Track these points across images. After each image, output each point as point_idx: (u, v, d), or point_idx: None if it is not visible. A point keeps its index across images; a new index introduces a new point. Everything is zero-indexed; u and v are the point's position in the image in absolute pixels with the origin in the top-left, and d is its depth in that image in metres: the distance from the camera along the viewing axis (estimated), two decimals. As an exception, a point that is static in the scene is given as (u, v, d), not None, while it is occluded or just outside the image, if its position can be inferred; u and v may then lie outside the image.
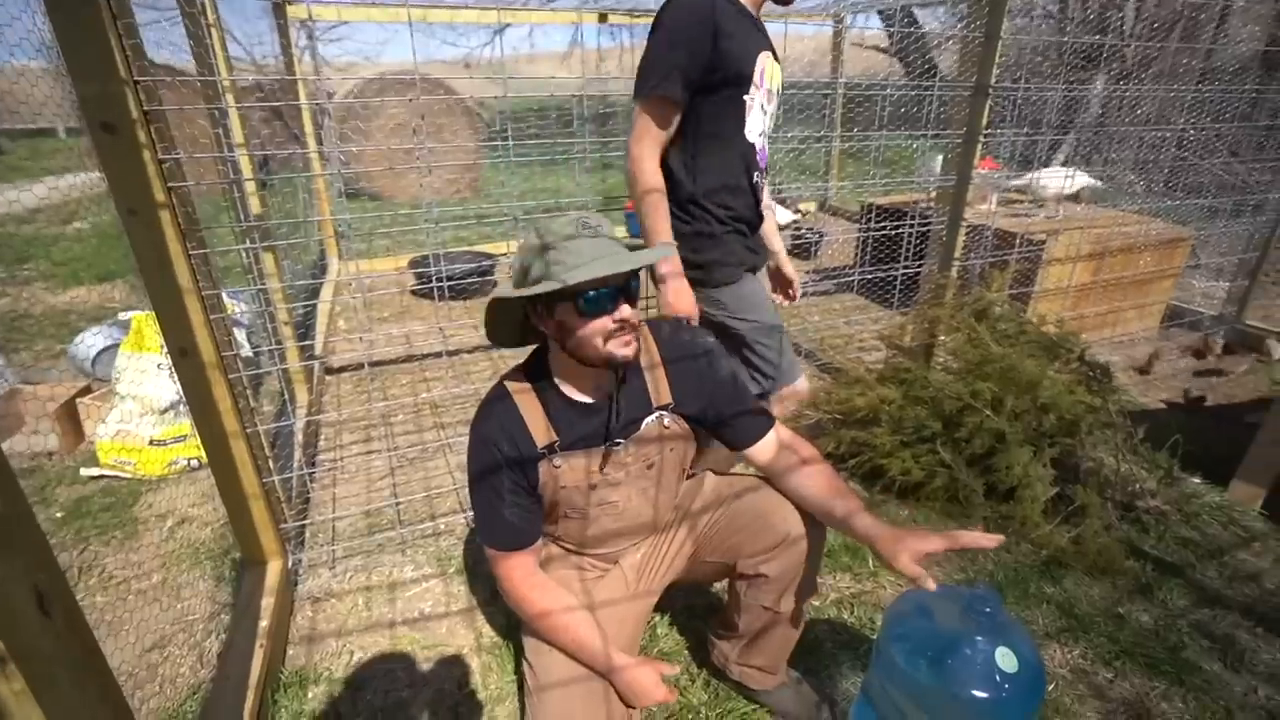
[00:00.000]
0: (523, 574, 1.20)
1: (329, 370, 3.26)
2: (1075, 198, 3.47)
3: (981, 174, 3.20)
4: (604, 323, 1.07)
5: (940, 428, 2.03)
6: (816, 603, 1.69)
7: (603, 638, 1.14)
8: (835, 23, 5.52)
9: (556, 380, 1.18)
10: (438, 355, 3.46)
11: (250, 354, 3.06)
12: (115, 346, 2.75)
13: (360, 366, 3.26)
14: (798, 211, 5.49)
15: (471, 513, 1.96)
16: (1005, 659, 1.04)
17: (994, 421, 1.91)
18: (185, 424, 2.38)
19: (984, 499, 1.99)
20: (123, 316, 3.06)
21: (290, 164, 4.36)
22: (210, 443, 1.54)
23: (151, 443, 2.33)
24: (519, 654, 1.41)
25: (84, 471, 2.29)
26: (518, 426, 1.17)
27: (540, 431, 1.17)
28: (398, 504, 2.10)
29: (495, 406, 1.19)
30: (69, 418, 2.47)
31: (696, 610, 1.66)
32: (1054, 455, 1.97)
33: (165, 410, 2.40)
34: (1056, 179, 3.24)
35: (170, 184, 1.36)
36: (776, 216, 5.11)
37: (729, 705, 1.39)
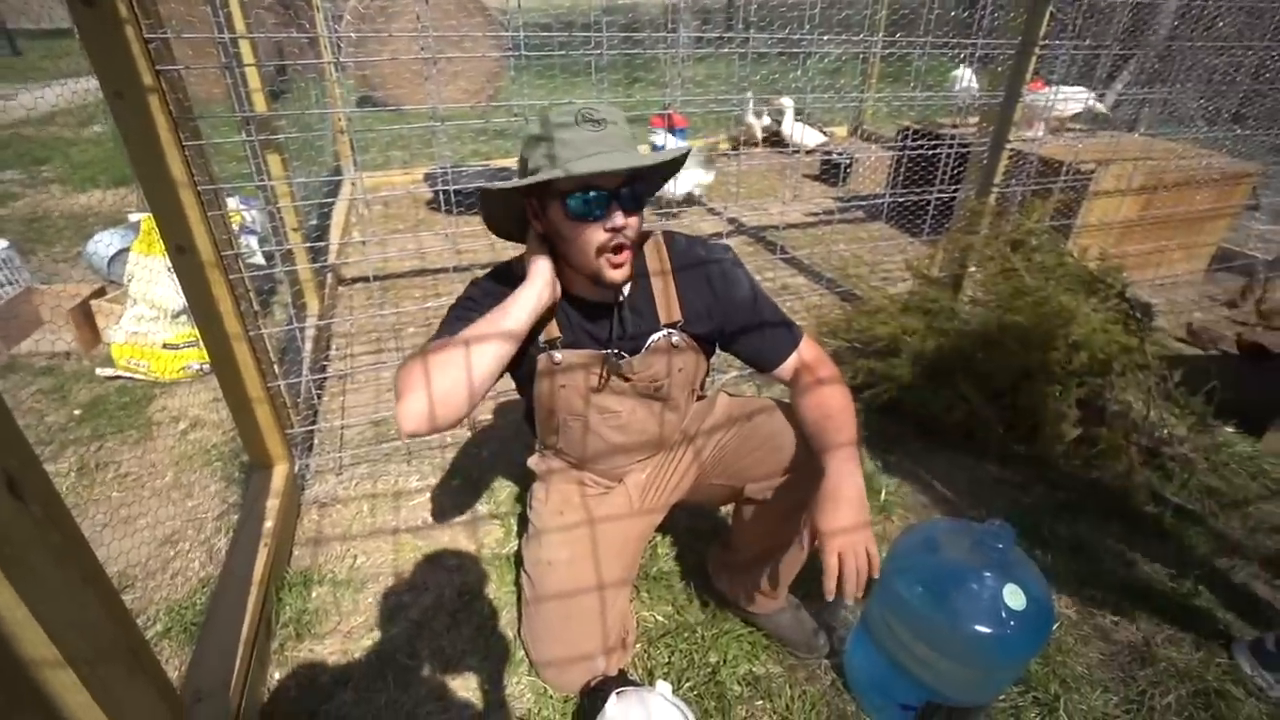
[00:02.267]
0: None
1: (341, 280, 3.22)
2: (1078, 119, 3.23)
3: (1032, 95, 2.95)
4: (595, 231, 0.99)
5: (962, 362, 1.95)
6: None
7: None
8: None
9: (562, 276, 1.11)
10: (450, 270, 3.40)
11: (263, 261, 3.03)
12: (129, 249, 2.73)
13: (375, 279, 3.22)
14: (826, 134, 5.20)
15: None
16: (1014, 596, 1.01)
17: (1020, 357, 1.82)
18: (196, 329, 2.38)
19: (1003, 436, 1.94)
20: (134, 218, 3.02)
21: (302, 71, 4.18)
22: (213, 345, 1.52)
23: (164, 346, 2.33)
24: (519, 565, 1.42)
25: (100, 372, 2.31)
26: None
27: (543, 322, 1.12)
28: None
29: (499, 277, 1.13)
30: (84, 318, 2.48)
31: (699, 532, 1.66)
32: (1081, 395, 1.89)
33: (178, 314, 2.39)
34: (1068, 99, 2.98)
35: (159, 66, 1.28)
36: (803, 136, 4.84)
37: (725, 626, 1.40)
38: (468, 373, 0.96)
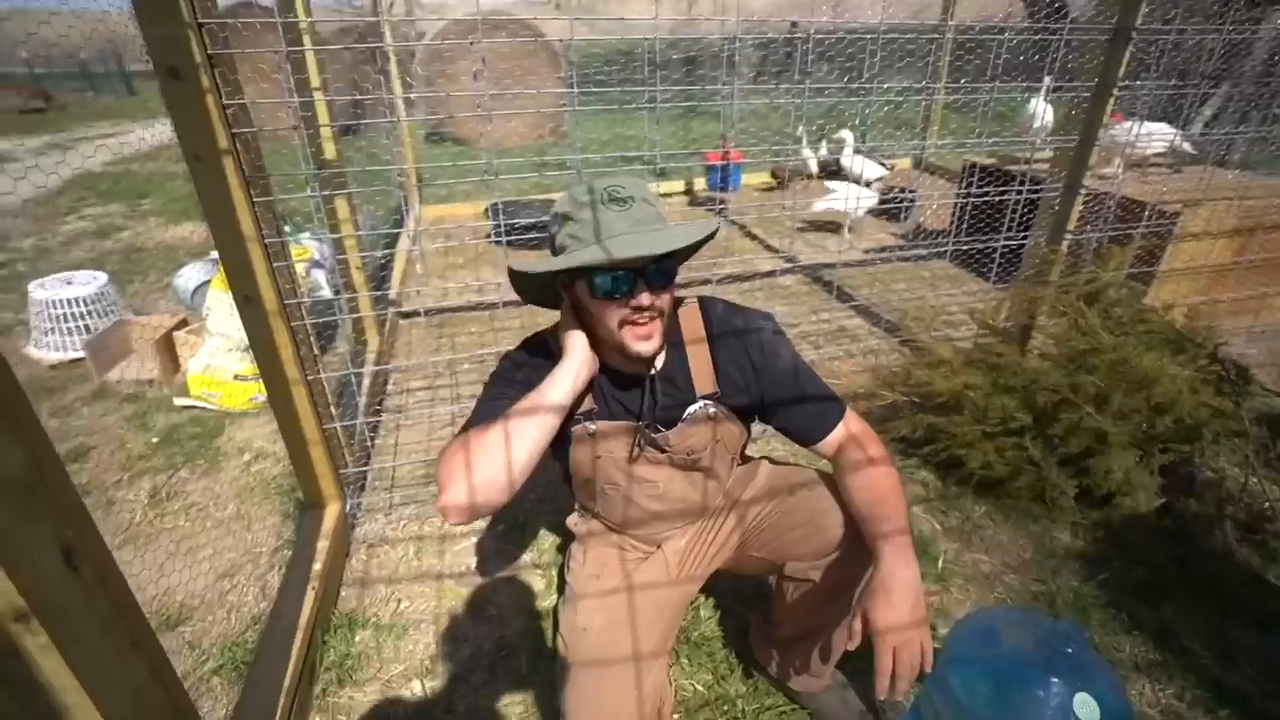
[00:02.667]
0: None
1: (402, 315, 3.33)
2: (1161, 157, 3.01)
3: (1111, 132, 2.80)
4: (616, 307, 0.98)
5: (1031, 421, 1.83)
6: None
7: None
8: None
9: (594, 347, 1.10)
10: (507, 305, 3.47)
11: (330, 295, 3.17)
12: (209, 282, 2.91)
13: (433, 313, 3.32)
14: (887, 166, 5.07)
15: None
16: (1085, 708, 0.92)
17: (1095, 420, 1.70)
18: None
19: (1075, 503, 1.80)
20: (214, 254, 3.21)
21: (375, 109, 4.41)
22: (273, 389, 1.58)
23: (235, 378, 2.46)
24: (556, 626, 1.40)
25: (177, 401, 2.46)
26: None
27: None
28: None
29: (534, 349, 1.14)
30: (167, 349, 2.65)
31: (743, 594, 1.60)
32: (1164, 462, 1.74)
33: (248, 347, 2.52)
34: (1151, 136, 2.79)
35: (235, 129, 1.36)
36: (863, 170, 4.72)
37: (767, 701, 1.33)
38: (508, 459, 0.95)
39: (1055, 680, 0.94)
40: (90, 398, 2.53)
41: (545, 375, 1.06)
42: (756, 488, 1.23)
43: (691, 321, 1.15)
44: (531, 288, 1.12)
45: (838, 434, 1.13)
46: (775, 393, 1.14)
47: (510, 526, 1.87)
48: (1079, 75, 1.92)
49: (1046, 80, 3.47)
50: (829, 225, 4.49)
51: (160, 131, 7.70)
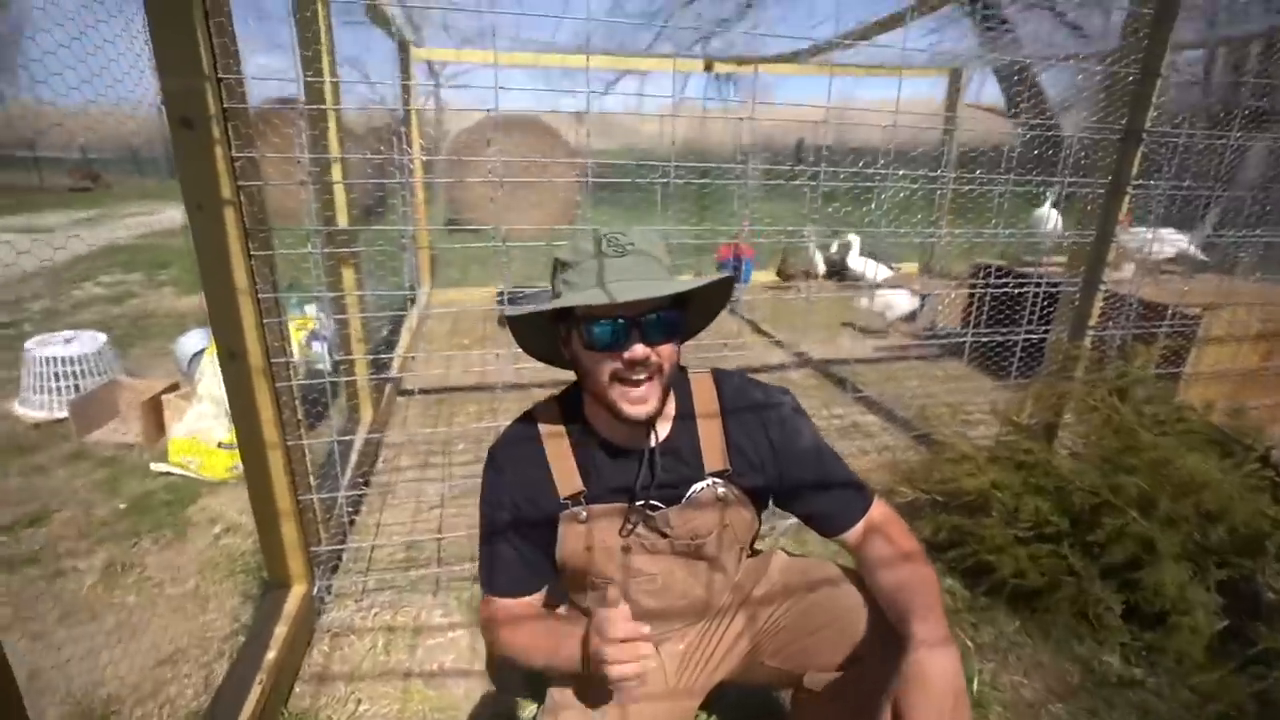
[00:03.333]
0: (509, 617, 1.02)
1: (401, 392, 3.25)
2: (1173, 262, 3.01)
3: (1126, 235, 2.80)
4: (607, 359, 0.89)
5: (1068, 525, 1.68)
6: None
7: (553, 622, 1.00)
8: (951, 82, 5.26)
9: (590, 417, 1.02)
10: (509, 387, 3.39)
11: (329, 368, 3.11)
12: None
13: (431, 391, 3.24)
14: (894, 269, 5.13)
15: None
16: None
17: (1140, 526, 1.54)
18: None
19: (1123, 621, 1.61)
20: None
21: (398, 194, 4.57)
22: (248, 452, 1.47)
23: (219, 445, 2.35)
24: (532, 739, 1.20)
25: (154, 466, 2.33)
26: (536, 467, 1.01)
27: (565, 478, 1.00)
28: (440, 539, 1.98)
29: (517, 439, 1.04)
30: (153, 412, 2.56)
31: (748, 708, 1.39)
32: (1222, 578, 1.57)
33: (238, 415, 2.43)
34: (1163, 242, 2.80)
35: (240, 182, 1.34)
36: (872, 271, 4.76)
37: None
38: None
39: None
40: (66, 459, 2.41)
41: (538, 484, 1.00)
42: (770, 583, 1.08)
43: (704, 392, 1.05)
44: (533, 340, 1.04)
45: (863, 525, 1.00)
46: (796, 475, 1.03)
47: (492, 620, 1.68)
48: (1091, 172, 1.92)
49: (1049, 199, 3.55)
50: (862, 326, 4.44)
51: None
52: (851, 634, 0.93)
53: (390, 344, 3.68)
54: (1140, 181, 1.91)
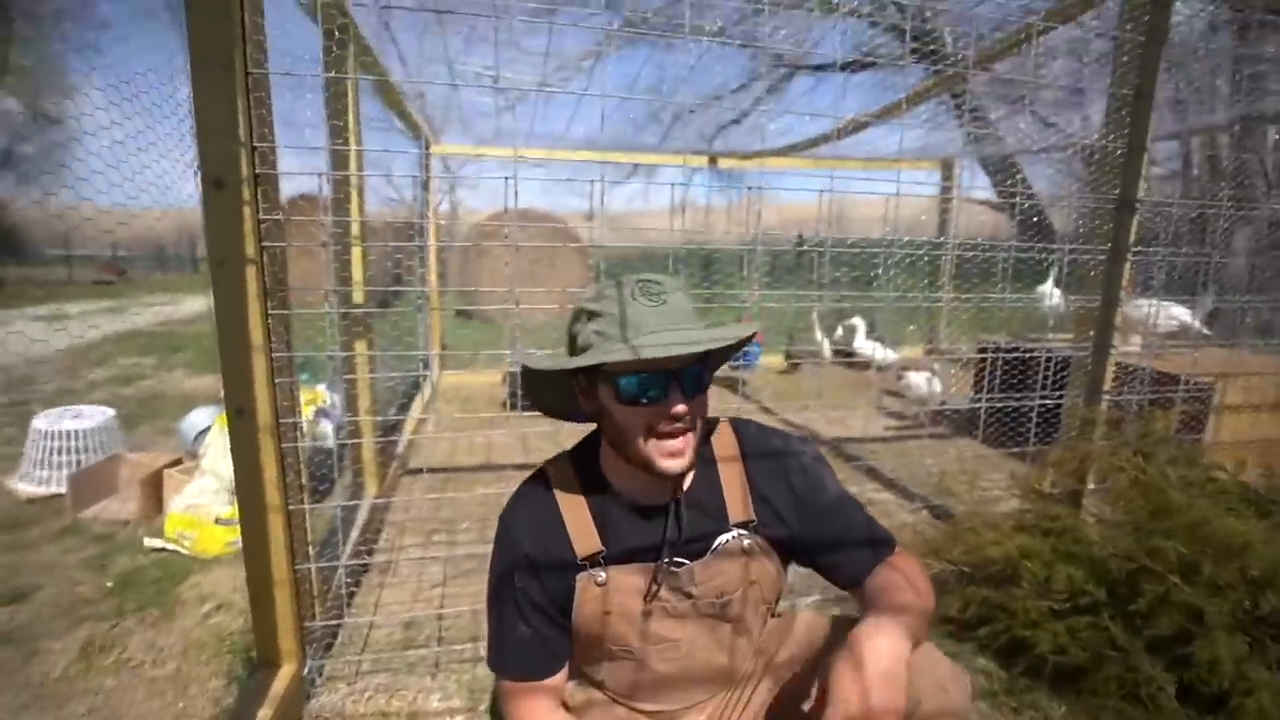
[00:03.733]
0: (533, 714, 0.93)
1: (407, 471, 3.20)
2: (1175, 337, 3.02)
3: (1131, 305, 2.82)
4: (645, 414, 0.86)
5: (1104, 595, 1.58)
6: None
7: None
8: (943, 173, 5.52)
9: (609, 474, 0.97)
10: (517, 467, 3.34)
11: (333, 446, 3.08)
12: (214, 426, 2.85)
13: (436, 470, 3.19)
14: (894, 351, 5.16)
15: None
16: None
17: (1184, 593, 1.45)
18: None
19: (1178, 703, 1.48)
20: (226, 396, 3.21)
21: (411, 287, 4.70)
22: (246, 514, 1.43)
23: (217, 520, 2.28)
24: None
25: (147, 542, 2.26)
26: (551, 526, 0.95)
27: (583, 536, 0.94)
28: (442, 618, 1.88)
29: (529, 498, 0.98)
30: (152, 488, 2.51)
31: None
32: (1280, 654, 1.45)
33: (238, 489, 2.38)
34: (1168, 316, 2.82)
35: (265, 243, 1.38)
36: (880, 354, 4.78)
37: None
38: None
39: None
40: (56, 535, 2.33)
41: (553, 539, 0.94)
42: (794, 644, 1.00)
43: (724, 440, 1.02)
44: (546, 394, 1.02)
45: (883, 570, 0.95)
46: (818, 526, 0.98)
47: (495, 706, 1.56)
48: (1091, 240, 1.97)
49: (1051, 277, 3.64)
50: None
51: (210, 302, 8.26)
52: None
53: (398, 421, 3.66)
54: (1140, 248, 1.96)
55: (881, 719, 0.69)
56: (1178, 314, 2.90)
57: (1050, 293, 3.56)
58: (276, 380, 1.42)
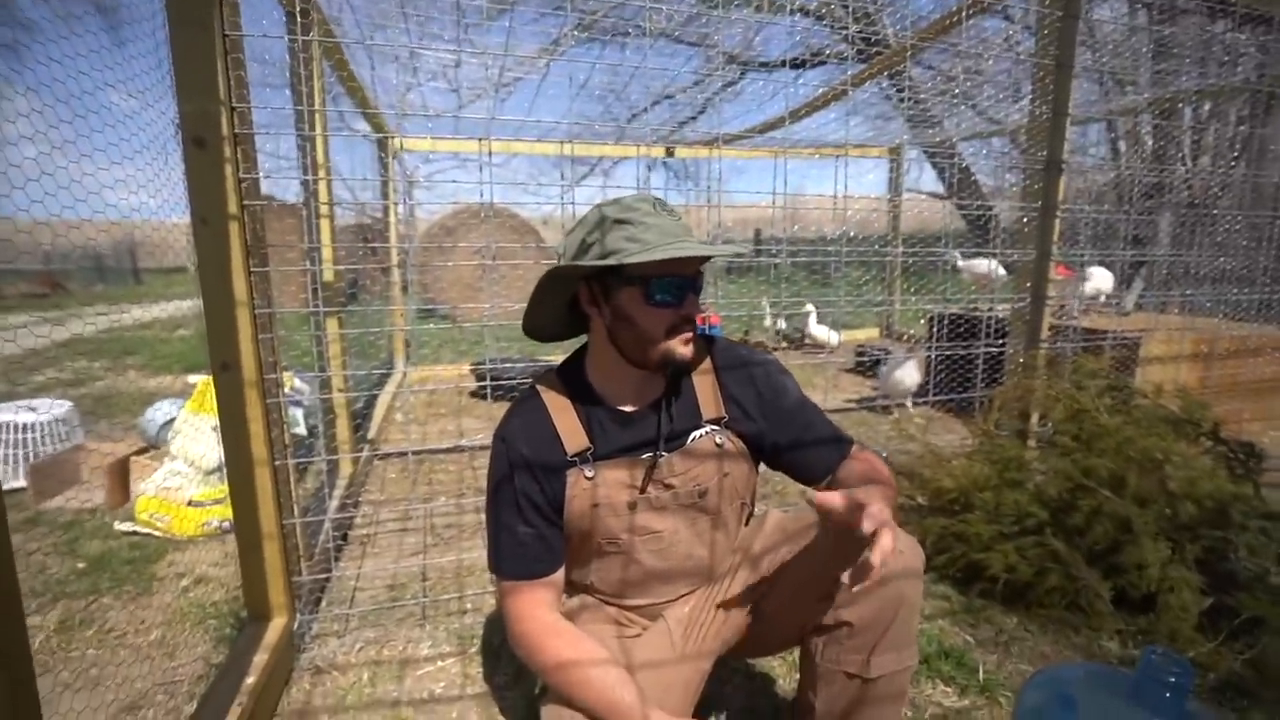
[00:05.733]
0: (537, 612, 1.00)
1: (378, 456, 3.20)
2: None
3: (1059, 279, 3.04)
4: (669, 315, 0.96)
5: (1047, 516, 1.73)
6: (907, 712, 1.35)
7: (640, 696, 0.90)
8: (891, 161, 5.77)
9: (596, 384, 1.06)
10: (487, 449, 3.37)
11: (303, 433, 3.06)
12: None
13: (406, 454, 3.20)
14: (838, 334, 5.38)
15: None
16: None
17: (1115, 504, 1.61)
18: (225, 487, 2.33)
19: (1114, 608, 1.63)
20: (191, 379, 3.14)
21: (373, 289, 4.67)
22: (234, 468, 1.45)
23: (190, 503, 2.26)
24: (537, 732, 1.14)
25: (118, 526, 2.22)
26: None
27: (572, 436, 1.03)
28: (425, 568, 1.91)
29: (521, 407, 1.07)
30: (119, 474, 2.46)
31: (759, 712, 1.35)
32: (1198, 555, 1.62)
33: (211, 472, 2.36)
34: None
35: (245, 201, 1.41)
36: (833, 338, 4.96)
37: (802, 829, 1.05)
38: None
39: (1159, 721, 0.77)
40: (19, 525, 2.27)
41: (544, 439, 1.02)
42: (767, 537, 1.10)
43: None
44: (546, 311, 1.07)
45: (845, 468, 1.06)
46: (782, 425, 1.08)
47: (485, 649, 1.61)
48: (1024, 243, 2.14)
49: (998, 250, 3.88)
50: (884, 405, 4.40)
51: (157, 310, 7.98)
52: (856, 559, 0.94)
53: (366, 410, 3.65)
54: (1066, 205, 2.13)
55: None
56: (1104, 277, 3.14)
57: (979, 263, 3.78)
58: (260, 336, 1.45)
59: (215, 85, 1.32)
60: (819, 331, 5.15)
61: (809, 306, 5.15)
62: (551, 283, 1.01)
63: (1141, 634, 1.60)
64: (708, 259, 0.99)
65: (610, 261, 0.92)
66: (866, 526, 0.75)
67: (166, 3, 1.29)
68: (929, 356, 3.32)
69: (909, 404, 3.62)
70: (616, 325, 1.00)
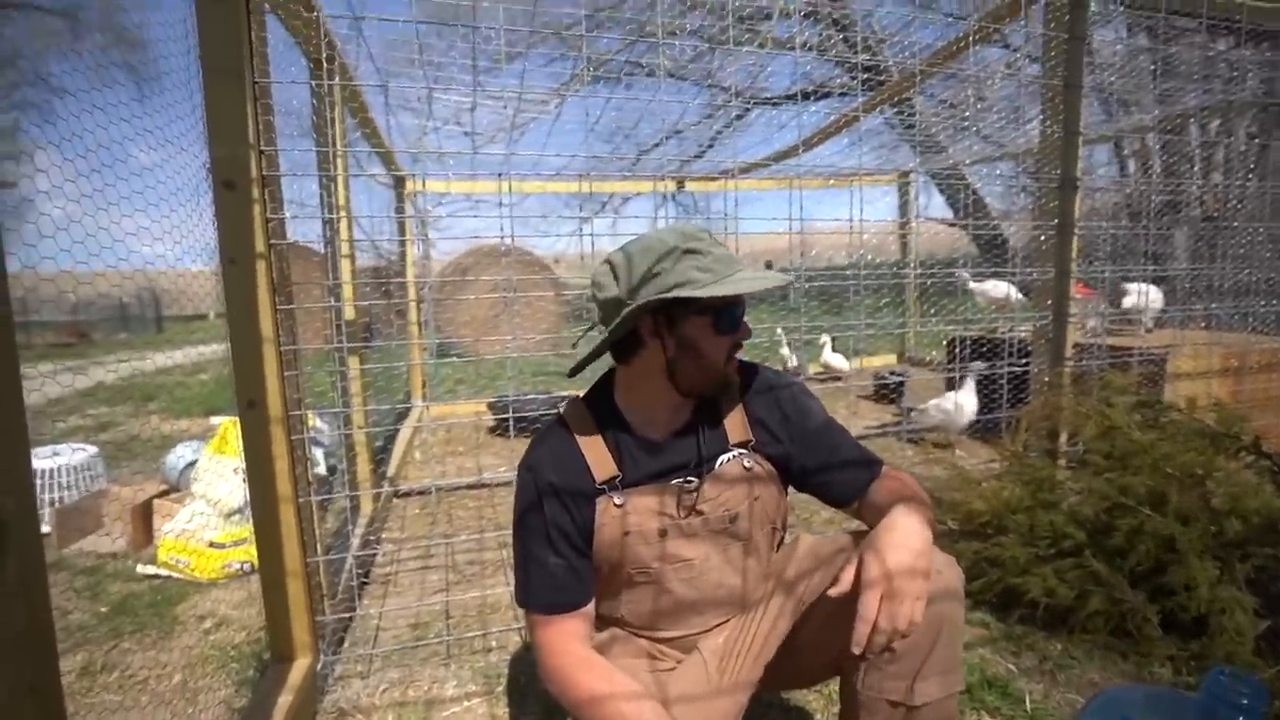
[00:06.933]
0: (569, 645, 0.97)
1: (397, 495, 3.19)
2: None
3: (1079, 299, 3.02)
4: (730, 340, 1.01)
5: (1084, 537, 1.67)
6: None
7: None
8: (900, 189, 5.82)
9: (626, 412, 1.05)
10: (508, 484, 3.35)
11: (324, 472, 3.07)
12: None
13: (426, 492, 3.18)
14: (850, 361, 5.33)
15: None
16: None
17: (1156, 522, 1.56)
18: (247, 528, 2.32)
19: (1163, 632, 1.56)
20: (213, 421, 3.18)
21: (390, 334, 4.73)
22: (259, 506, 1.45)
23: (211, 545, 2.26)
24: (569, 773, 1.10)
25: (140, 569, 2.22)
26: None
27: (600, 464, 1.02)
28: (448, 606, 1.88)
29: (546, 437, 1.06)
30: (142, 518, 2.47)
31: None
32: (1249, 574, 1.55)
33: (232, 514, 2.36)
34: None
35: (272, 240, 1.44)
36: (847, 365, 4.93)
37: None
38: None
39: (1233, 746, 0.73)
40: (44, 571, 2.28)
41: (573, 468, 1.00)
42: (800, 562, 1.07)
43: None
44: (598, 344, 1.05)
45: (875, 488, 1.03)
46: (811, 446, 1.07)
47: (512, 688, 1.58)
48: (1042, 216, 2.14)
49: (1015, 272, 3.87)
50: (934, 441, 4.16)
51: (179, 356, 8.12)
52: None
53: (385, 449, 3.66)
54: (1085, 224, 2.13)
55: (910, 581, 0.78)
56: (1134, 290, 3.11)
57: (994, 286, 3.77)
58: (285, 374, 1.47)
59: (245, 130, 1.37)
60: (835, 360, 5.16)
61: (824, 338, 5.15)
62: (623, 317, 0.97)
63: (1194, 659, 1.53)
64: None
65: (698, 294, 0.93)
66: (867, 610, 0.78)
67: (201, 55, 1.34)
68: (963, 377, 3.04)
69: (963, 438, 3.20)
70: (681, 354, 0.99)
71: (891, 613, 0.77)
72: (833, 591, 0.83)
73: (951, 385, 3.16)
